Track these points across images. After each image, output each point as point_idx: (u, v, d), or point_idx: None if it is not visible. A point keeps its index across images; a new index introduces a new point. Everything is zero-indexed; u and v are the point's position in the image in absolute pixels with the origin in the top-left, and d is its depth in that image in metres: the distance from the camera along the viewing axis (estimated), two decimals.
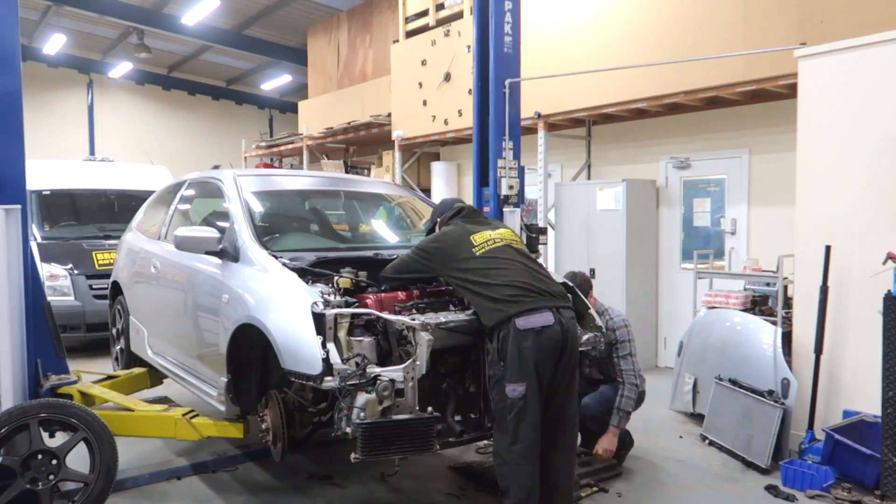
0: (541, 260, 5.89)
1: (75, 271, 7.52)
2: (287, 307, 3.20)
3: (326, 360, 2.89)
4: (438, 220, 3.73)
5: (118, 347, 5.94)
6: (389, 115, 10.00)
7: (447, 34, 8.78)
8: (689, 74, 6.12)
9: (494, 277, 3.16)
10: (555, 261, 7.67)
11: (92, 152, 16.95)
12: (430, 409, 3.05)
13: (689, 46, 6.15)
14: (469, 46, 7.18)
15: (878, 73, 4.24)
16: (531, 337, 3.02)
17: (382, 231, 5.03)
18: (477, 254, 3.28)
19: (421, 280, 3.57)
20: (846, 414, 4.29)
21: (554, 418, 3.20)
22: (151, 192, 6.31)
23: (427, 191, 9.93)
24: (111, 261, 6.90)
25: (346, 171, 11.39)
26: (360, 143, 12.09)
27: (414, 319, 3.11)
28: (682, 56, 6.10)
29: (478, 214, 3.75)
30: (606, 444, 4.15)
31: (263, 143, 13.98)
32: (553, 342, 3.07)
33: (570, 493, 3.36)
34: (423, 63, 9.16)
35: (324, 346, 2.93)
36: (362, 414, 2.89)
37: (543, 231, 6.07)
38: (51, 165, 9.18)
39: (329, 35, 13.24)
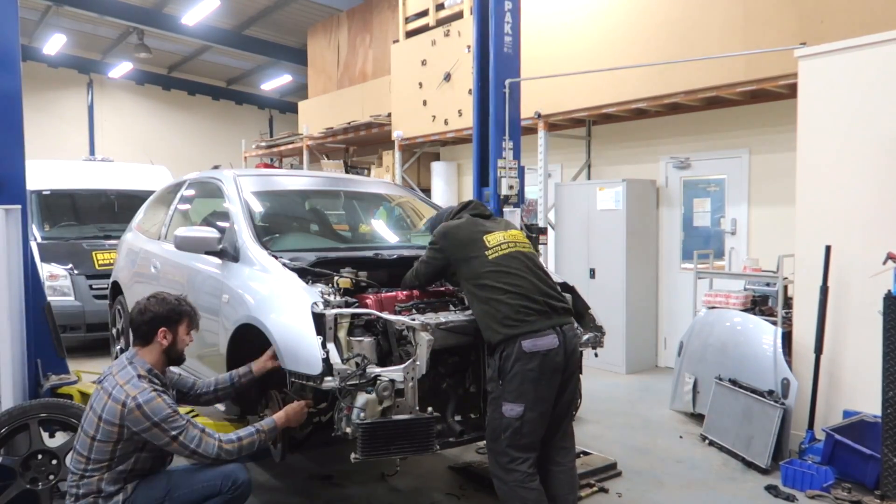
0: (540, 260, 5.88)
1: (75, 271, 7.53)
2: (287, 307, 3.20)
3: (326, 361, 2.88)
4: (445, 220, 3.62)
5: (118, 347, 5.95)
6: (389, 115, 10.00)
7: (447, 34, 8.79)
8: (689, 74, 6.12)
9: (502, 293, 3.06)
10: (555, 261, 7.67)
11: (92, 152, 16.96)
12: (430, 409, 3.05)
13: (690, 46, 6.15)
14: (469, 46, 7.18)
15: (877, 73, 4.24)
16: (537, 360, 2.99)
17: (382, 231, 5.03)
18: (490, 257, 3.16)
19: (442, 276, 3.53)
20: (846, 414, 4.29)
21: (551, 434, 3.20)
22: (151, 192, 6.32)
23: (427, 191, 9.93)
24: (111, 261, 6.90)
25: (346, 171, 11.39)
26: (360, 143, 12.09)
27: (414, 319, 3.10)
28: (682, 56, 6.10)
29: (485, 209, 3.62)
30: None
31: (263, 143, 13.98)
32: (556, 364, 3.05)
33: None
34: (423, 63, 9.16)
35: (324, 346, 2.93)
36: (362, 414, 2.89)
37: (543, 231, 6.07)
38: (51, 165, 9.18)
39: (329, 35, 13.24)
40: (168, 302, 2.93)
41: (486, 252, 3.19)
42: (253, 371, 3.32)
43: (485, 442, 3.24)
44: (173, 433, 2.66)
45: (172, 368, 3.13)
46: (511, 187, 5.57)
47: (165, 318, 2.89)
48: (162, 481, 2.79)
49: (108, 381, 2.74)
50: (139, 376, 2.73)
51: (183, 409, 3.83)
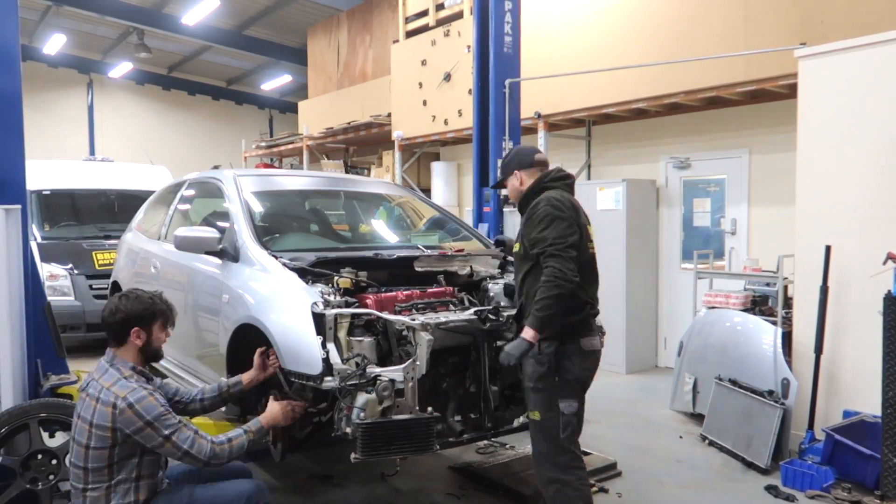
0: None
1: (75, 271, 7.52)
2: (287, 307, 3.20)
3: (326, 361, 2.89)
4: (522, 174, 3.29)
5: None
6: (389, 115, 10.00)
7: (447, 34, 8.79)
8: (689, 74, 6.12)
9: (583, 290, 3.04)
10: None
11: (92, 152, 16.97)
12: (430, 409, 3.05)
13: (690, 46, 6.15)
14: (469, 46, 7.18)
15: (877, 73, 4.24)
16: (591, 357, 3.07)
17: (382, 231, 5.03)
18: (590, 250, 3.16)
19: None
20: (846, 414, 4.29)
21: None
22: (151, 192, 6.31)
23: (427, 191, 9.93)
24: (111, 261, 6.90)
25: (346, 171, 11.39)
26: (360, 143, 12.09)
27: (414, 319, 3.11)
28: (682, 56, 6.10)
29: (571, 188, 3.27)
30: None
31: (263, 143, 13.99)
32: (597, 365, 3.15)
33: None
34: (423, 63, 9.16)
35: (324, 346, 2.94)
36: (362, 414, 2.89)
37: None
38: (51, 165, 9.17)
39: (329, 35, 13.24)
40: (142, 300, 2.80)
41: (588, 244, 3.13)
42: (243, 383, 3.23)
43: (485, 442, 3.23)
44: (166, 433, 2.58)
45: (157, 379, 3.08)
46: None
47: (139, 318, 2.75)
48: (184, 498, 2.72)
49: (93, 387, 2.65)
50: (125, 377, 2.66)
51: None
